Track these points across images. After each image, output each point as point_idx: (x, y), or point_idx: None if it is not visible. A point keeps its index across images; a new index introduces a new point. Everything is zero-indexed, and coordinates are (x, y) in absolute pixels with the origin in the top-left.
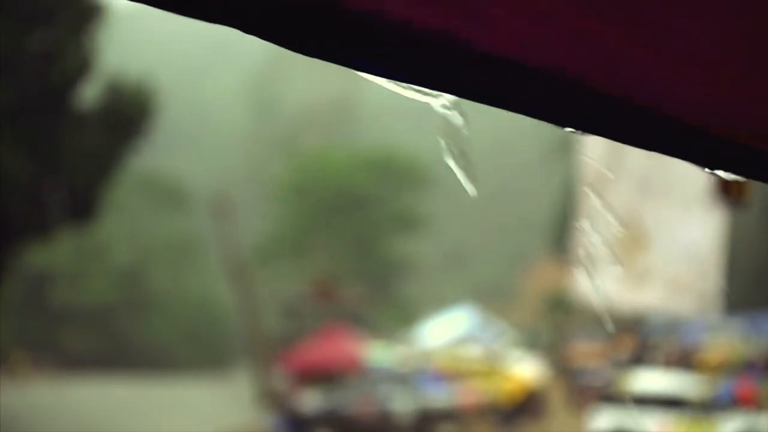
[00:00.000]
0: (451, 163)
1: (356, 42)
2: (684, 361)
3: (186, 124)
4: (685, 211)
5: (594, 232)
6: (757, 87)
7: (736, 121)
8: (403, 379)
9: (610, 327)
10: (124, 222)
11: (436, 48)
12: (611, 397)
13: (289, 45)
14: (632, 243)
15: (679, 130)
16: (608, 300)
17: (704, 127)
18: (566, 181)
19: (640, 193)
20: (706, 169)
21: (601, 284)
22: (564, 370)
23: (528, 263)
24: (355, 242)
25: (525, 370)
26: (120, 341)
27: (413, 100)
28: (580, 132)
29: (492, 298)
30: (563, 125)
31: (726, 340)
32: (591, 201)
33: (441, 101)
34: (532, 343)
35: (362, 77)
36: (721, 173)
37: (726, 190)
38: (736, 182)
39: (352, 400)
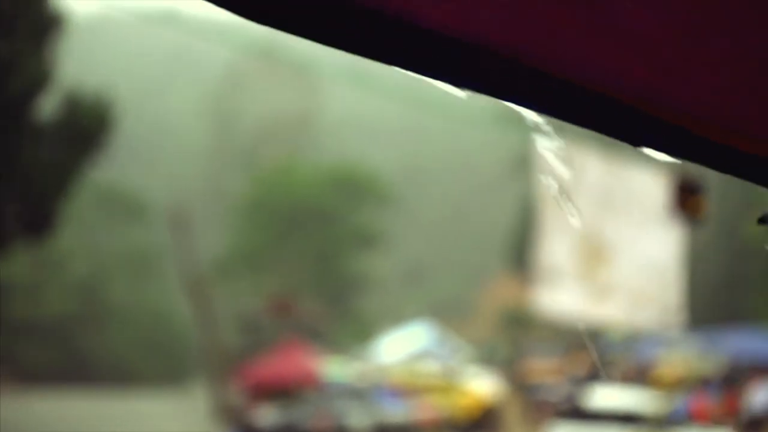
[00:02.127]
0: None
1: (306, 16)
2: (640, 376)
3: (145, 137)
4: (645, 226)
5: (555, 247)
6: (694, 71)
7: (673, 103)
8: (359, 394)
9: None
10: (81, 235)
11: (377, 23)
12: (568, 412)
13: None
14: (593, 257)
15: (617, 110)
16: (570, 313)
17: (642, 108)
18: (525, 198)
19: (601, 208)
20: (641, 149)
21: (563, 298)
22: (520, 385)
23: (486, 280)
24: (314, 257)
25: (481, 385)
26: (77, 354)
27: (373, 114)
28: (523, 107)
29: (449, 314)
30: (501, 99)
31: (682, 356)
32: (551, 217)
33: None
34: (488, 358)
35: (322, 91)
36: (675, 189)
37: (683, 206)
38: (692, 198)
39: (308, 416)
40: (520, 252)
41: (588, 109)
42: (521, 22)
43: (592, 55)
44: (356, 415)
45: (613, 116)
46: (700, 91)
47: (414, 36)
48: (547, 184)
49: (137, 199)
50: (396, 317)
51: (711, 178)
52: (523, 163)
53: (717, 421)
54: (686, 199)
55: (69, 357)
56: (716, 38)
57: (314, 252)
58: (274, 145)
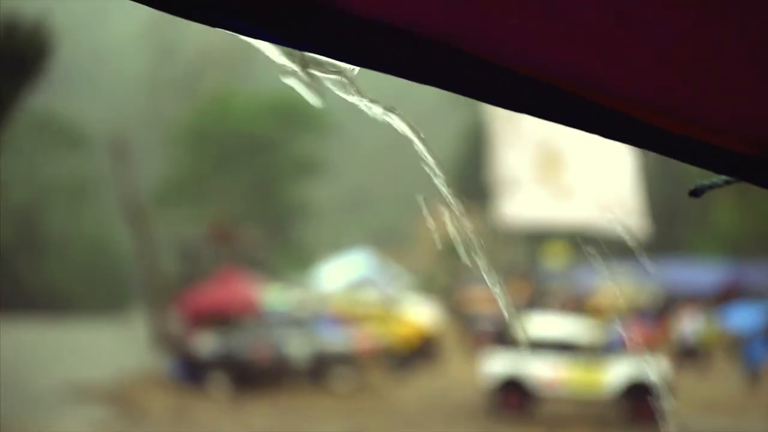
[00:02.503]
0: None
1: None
2: (577, 306)
3: (84, 64)
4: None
5: (510, 159)
6: (634, 55)
7: (615, 88)
8: (299, 322)
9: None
10: (20, 163)
11: (304, 9)
12: (505, 341)
13: None
14: (550, 165)
15: (557, 95)
16: (531, 220)
17: (583, 94)
18: (472, 120)
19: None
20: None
21: (524, 206)
22: (459, 314)
23: (426, 208)
24: (254, 186)
25: (421, 314)
26: (16, 283)
27: None
28: (464, 95)
29: (389, 242)
30: (440, 87)
31: (618, 286)
32: (502, 131)
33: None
34: (428, 287)
35: None
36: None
37: None
38: None
39: (248, 344)
40: (462, 180)
41: (528, 96)
42: (459, 8)
43: (533, 42)
44: (295, 344)
45: (554, 102)
46: (641, 76)
47: (341, 23)
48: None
49: (76, 127)
50: (336, 245)
51: None
52: None
53: (651, 350)
54: None
55: (7, 285)
56: (657, 23)
57: (254, 180)
58: (214, 73)
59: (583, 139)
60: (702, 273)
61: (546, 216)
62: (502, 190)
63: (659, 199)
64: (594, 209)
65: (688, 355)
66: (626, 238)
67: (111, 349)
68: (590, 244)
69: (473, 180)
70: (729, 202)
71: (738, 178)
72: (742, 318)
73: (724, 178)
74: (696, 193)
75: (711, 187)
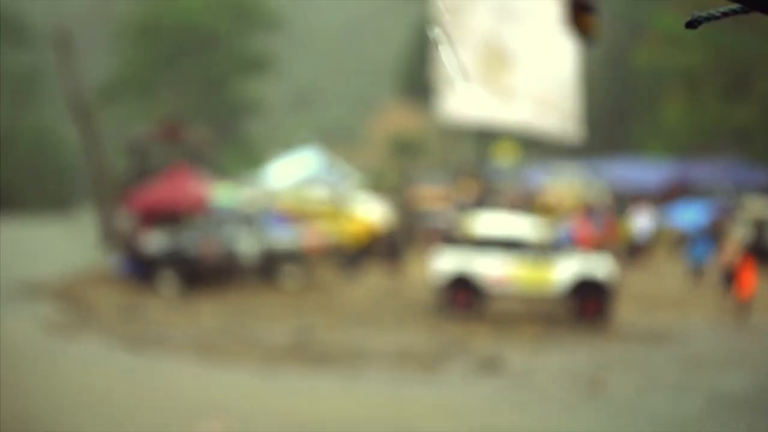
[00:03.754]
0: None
1: None
2: (526, 204)
3: None
4: (545, 37)
5: (455, 56)
6: None
7: None
8: (248, 219)
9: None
10: None
11: None
12: (454, 239)
13: None
14: (495, 63)
15: None
16: (475, 119)
17: None
18: (420, 19)
19: (500, 17)
20: None
21: (468, 104)
22: (408, 212)
23: (376, 106)
24: (202, 83)
25: (370, 212)
26: None
27: None
28: None
29: (339, 140)
30: None
31: (567, 184)
32: (449, 28)
33: None
34: (377, 185)
35: None
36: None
37: (574, 21)
38: (584, 15)
39: (196, 241)
40: (410, 79)
41: None
42: None
43: None
44: (245, 241)
45: None
46: None
47: None
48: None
49: (21, 20)
50: (285, 143)
51: (604, 2)
52: None
53: (599, 247)
54: (578, 16)
55: None
56: None
57: (202, 76)
58: None
59: (528, 38)
60: (649, 171)
61: (491, 115)
62: (447, 88)
63: (607, 99)
64: (539, 108)
65: (634, 252)
66: (568, 137)
67: (59, 246)
68: (539, 144)
69: (420, 77)
70: (677, 100)
71: (746, 5)
72: (687, 216)
73: (721, 9)
74: (692, 24)
75: (708, 18)
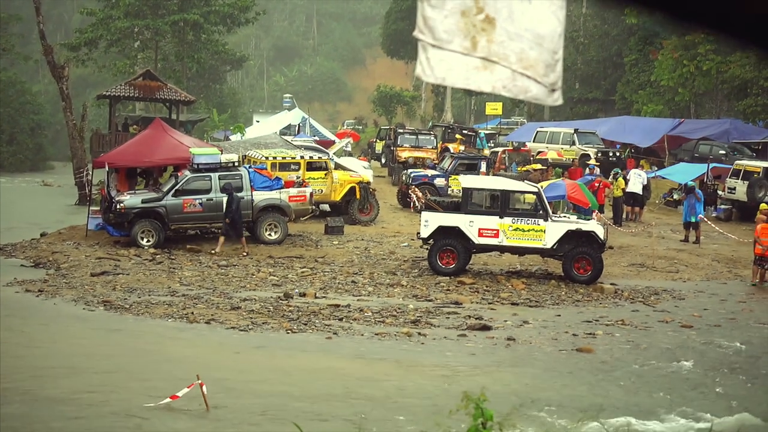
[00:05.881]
0: None
1: None
2: (523, 161)
3: None
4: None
5: (435, 14)
6: None
7: None
8: (228, 173)
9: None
10: None
11: None
12: (440, 193)
13: None
14: (474, 23)
15: None
16: (454, 80)
17: None
18: None
19: None
20: None
21: (447, 65)
22: (394, 166)
23: (364, 62)
24: (183, 36)
25: (355, 165)
26: None
27: None
28: None
29: (324, 93)
30: None
31: (560, 143)
32: None
33: None
34: (362, 139)
35: None
36: None
37: None
38: None
39: (176, 196)
40: (396, 36)
41: None
42: None
43: None
44: (227, 195)
45: None
46: None
47: None
48: None
49: None
50: (269, 96)
51: None
52: None
53: (591, 203)
54: None
55: None
56: None
57: (183, 30)
58: None
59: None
60: (642, 130)
61: (469, 77)
62: (430, 48)
63: (599, 59)
64: (525, 71)
65: (628, 206)
66: (551, 101)
67: (36, 202)
68: (527, 104)
69: (406, 36)
70: (669, 60)
71: None
72: (678, 175)
73: None
74: None
75: None
